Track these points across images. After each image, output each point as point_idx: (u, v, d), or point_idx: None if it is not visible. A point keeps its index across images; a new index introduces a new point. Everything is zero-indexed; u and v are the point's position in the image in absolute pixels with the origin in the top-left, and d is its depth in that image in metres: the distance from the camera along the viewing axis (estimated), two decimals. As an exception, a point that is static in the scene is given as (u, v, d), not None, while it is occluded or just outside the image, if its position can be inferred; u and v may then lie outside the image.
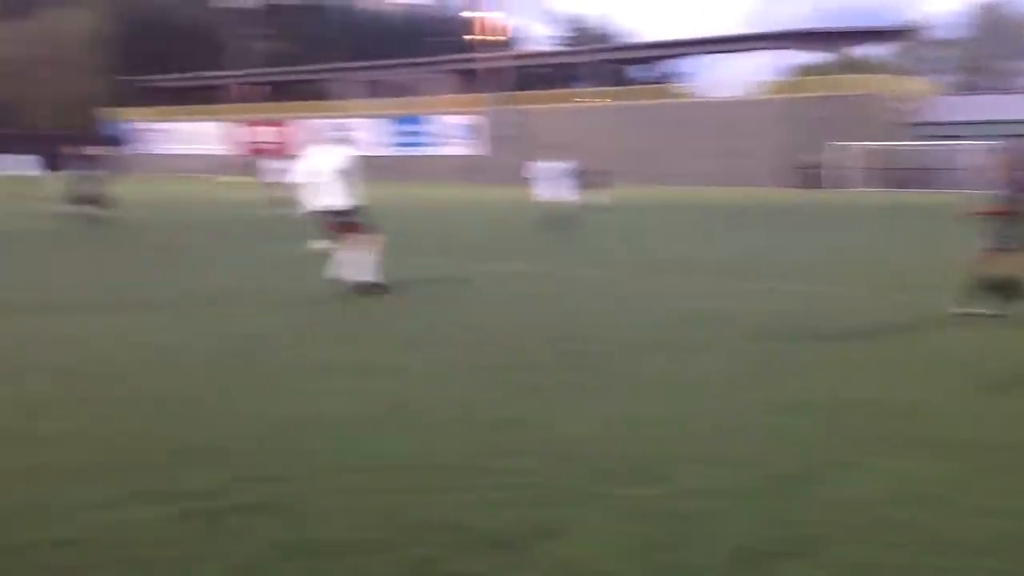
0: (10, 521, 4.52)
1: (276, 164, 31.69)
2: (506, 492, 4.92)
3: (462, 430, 6.11)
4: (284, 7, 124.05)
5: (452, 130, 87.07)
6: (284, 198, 29.27)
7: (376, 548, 4.26)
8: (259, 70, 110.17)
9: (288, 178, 29.79)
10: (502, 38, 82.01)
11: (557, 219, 23.39)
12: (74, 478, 5.13)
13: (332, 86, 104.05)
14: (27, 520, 4.53)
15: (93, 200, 19.58)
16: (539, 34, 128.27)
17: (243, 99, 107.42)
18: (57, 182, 23.10)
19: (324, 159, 12.04)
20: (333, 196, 11.87)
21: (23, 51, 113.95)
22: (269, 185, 31.10)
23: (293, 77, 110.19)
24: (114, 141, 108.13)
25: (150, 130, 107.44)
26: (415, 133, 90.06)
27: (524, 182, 28.39)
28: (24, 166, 34.86)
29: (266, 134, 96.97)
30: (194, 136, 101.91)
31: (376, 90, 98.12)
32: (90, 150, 20.52)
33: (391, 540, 4.34)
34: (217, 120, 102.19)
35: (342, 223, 11.93)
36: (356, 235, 11.96)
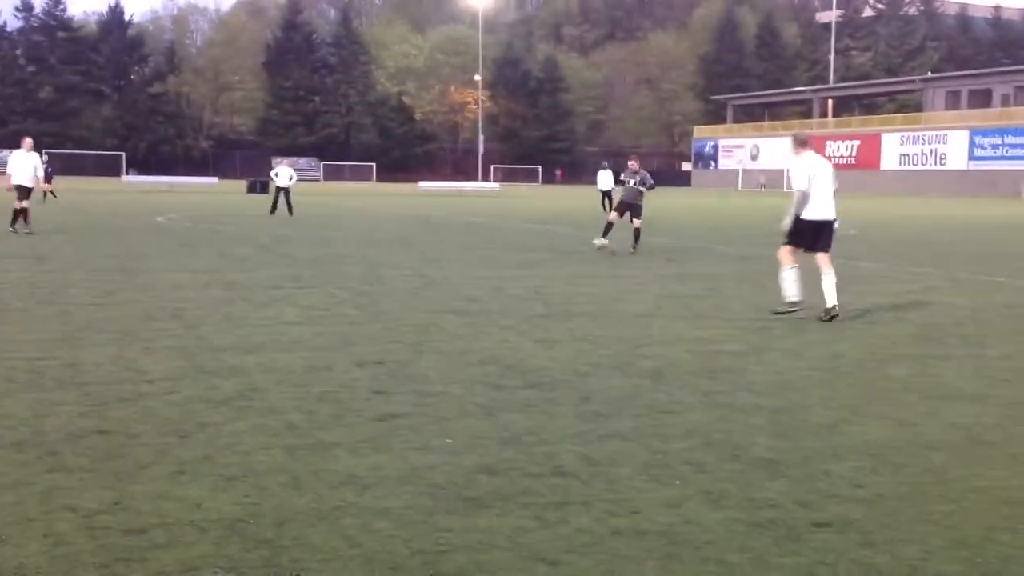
0: (583, 513, 4.82)
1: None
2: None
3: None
4: (873, 19, 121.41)
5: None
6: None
7: (955, 585, 3.96)
8: (842, 84, 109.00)
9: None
10: None
11: None
12: (643, 472, 5.37)
13: (918, 97, 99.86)
14: (599, 511, 4.81)
15: (635, 211, 20.30)
16: None
17: (824, 113, 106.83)
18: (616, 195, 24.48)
19: (820, 170, 11.13)
20: (827, 209, 11.09)
21: (620, 73, 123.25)
22: None
23: (874, 90, 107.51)
24: (698, 158, 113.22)
25: (728, 146, 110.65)
26: (1004, 145, 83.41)
27: None
28: (601, 182, 37.80)
29: (841, 148, 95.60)
30: (770, 151, 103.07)
31: (964, 101, 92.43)
32: (635, 164, 20.92)
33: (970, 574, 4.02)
34: (789, 135, 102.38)
35: (826, 238, 11.17)
36: (826, 254, 11.16)
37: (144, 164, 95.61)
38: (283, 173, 32.94)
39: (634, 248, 19.82)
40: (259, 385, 7.30)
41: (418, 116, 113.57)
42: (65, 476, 5.12)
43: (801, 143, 11.43)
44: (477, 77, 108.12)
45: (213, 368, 7.85)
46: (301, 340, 9.23)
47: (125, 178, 72.43)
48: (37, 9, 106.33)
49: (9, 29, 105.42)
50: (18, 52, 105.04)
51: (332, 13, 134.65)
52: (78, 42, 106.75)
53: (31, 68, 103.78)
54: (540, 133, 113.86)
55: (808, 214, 11.06)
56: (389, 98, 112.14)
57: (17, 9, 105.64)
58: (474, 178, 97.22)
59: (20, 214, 21.65)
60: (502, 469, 5.36)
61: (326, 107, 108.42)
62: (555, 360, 8.48)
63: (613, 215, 20.76)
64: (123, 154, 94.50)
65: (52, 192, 39.51)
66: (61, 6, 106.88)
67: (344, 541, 4.32)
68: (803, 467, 5.51)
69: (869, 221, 36.17)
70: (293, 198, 32.93)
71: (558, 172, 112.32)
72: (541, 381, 7.61)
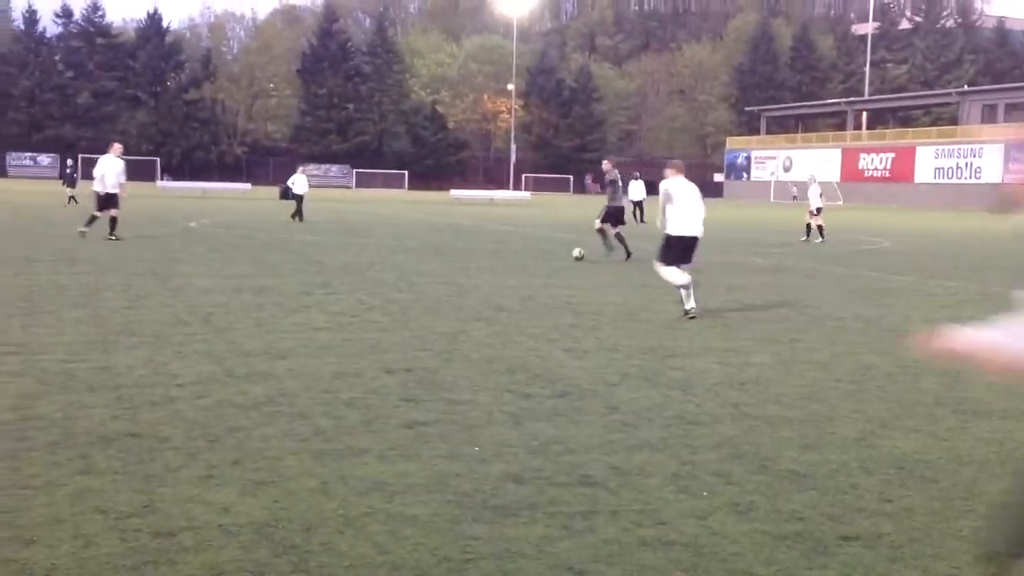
0: (610, 522, 4.80)
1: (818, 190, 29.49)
2: None
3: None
4: (909, 31, 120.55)
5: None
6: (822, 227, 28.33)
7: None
8: (877, 96, 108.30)
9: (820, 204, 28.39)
10: None
11: None
12: (670, 483, 5.35)
13: (954, 110, 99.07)
14: (626, 521, 4.80)
15: (615, 219, 20.30)
16: None
17: (859, 126, 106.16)
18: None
19: (684, 192, 12.16)
20: (694, 227, 12.08)
21: (654, 84, 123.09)
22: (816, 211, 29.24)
23: (910, 103, 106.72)
24: (730, 169, 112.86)
25: (761, 157, 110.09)
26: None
27: None
28: (632, 192, 37.48)
29: (875, 161, 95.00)
30: (803, 163, 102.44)
31: (1000, 114, 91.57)
32: (607, 165, 20.90)
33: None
34: (823, 147, 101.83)
35: (690, 254, 12.19)
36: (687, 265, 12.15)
37: (178, 170, 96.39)
38: (299, 181, 34.27)
39: (627, 256, 19.92)
40: (288, 390, 7.34)
41: (451, 124, 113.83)
42: (96, 478, 5.18)
43: (675, 168, 12.62)
44: (510, 86, 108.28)
45: (243, 373, 7.91)
46: (330, 346, 9.28)
47: (159, 183, 73.10)
48: (76, 16, 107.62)
49: (49, 35, 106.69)
50: (57, 58, 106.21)
51: (367, 22, 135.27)
52: (116, 48, 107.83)
53: (69, 74, 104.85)
54: (572, 143, 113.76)
55: (678, 231, 12.08)
56: (422, 106, 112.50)
57: (57, 15, 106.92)
58: (506, 187, 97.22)
59: (115, 220, 22.15)
60: (529, 478, 5.37)
61: (359, 115, 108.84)
62: (584, 369, 8.48)
63: (604, 225, 20.77)
64: (158, 159, 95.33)
65: (74, 198, 39.84)
66: (100, 13, 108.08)
67: (371, 547, 4.34)
68: (831, 480, 5.49)
69: (902, 234, 35.90)
70: (305, 205, 34.10)
71: (588, 181, 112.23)
72: (569, 390, 7.62)
